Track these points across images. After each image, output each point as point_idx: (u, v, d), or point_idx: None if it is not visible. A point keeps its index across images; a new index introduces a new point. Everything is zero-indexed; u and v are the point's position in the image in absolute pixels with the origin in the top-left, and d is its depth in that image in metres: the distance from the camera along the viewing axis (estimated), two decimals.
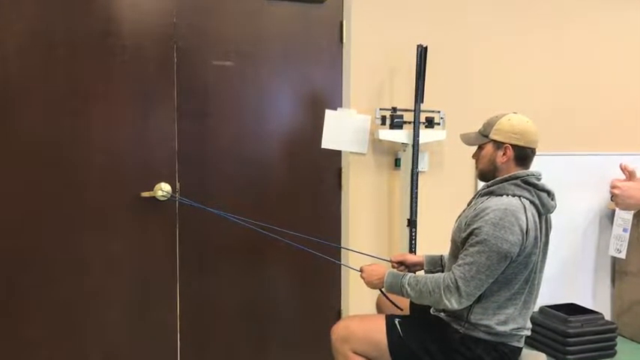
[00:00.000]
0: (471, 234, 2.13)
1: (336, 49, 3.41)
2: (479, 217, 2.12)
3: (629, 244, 3.79)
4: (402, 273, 2.28)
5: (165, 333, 3.20)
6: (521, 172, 2.21)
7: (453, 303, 2.10)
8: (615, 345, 3.68)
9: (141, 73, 3.06)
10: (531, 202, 2.17)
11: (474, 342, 2.16)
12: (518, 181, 2.18)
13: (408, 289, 2.20)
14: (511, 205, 2.11)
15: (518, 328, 2.19)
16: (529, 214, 2.12)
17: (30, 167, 2.92)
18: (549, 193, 2.25)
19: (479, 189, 2.32)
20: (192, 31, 3.14)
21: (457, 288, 2.08)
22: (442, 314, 2.25)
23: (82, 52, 2.95)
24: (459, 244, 2.20)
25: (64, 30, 2.92)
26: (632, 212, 3.77)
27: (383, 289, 2.34)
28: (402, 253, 2.64)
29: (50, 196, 2.95)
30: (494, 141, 2.24)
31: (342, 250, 3.36)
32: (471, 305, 2.16)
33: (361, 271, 2.41)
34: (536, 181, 2.21)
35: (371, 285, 2.37)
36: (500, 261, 2.07)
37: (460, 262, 2.13)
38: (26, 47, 2.87)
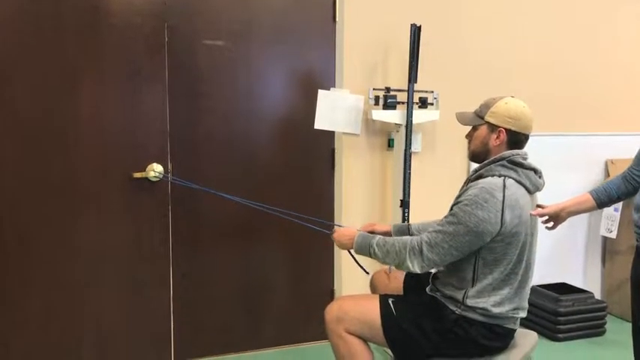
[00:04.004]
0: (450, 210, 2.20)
1: (328, 28, 3.38)
2: (460, 196, 2.19)
3: (619, 224, 3.82)
4: (371, 235, 2.33)
5: (158, 312, 3.20)
6: (506, 152, 2.22)
7: (415, 265, 2.15)
8: (605, 323, 3.74)
9: (131, 52, 3.02)
10: (517, 181, 2.18)
11: (469, 323, 2.17)
12: (505, 162, 2.20)
13: (376, 249, 2.25)
14: (490, 184, 2.14)
15: (514, 309, 2.21)
16: (508, 193, 2.12)
17: (18, 149, 2.89)
18: (536, 171, 2.27)
19: (470, 173, 2.33)
20: (183, 10, 3.10)
21: (421, 252, 2.14)
22: (438, 294, 2.27)
23: (70, 31, 2.91)
24: None
25: (52, 6, 2.87)
26: None
27: (352, 251, 2.38)
28: (370, 222, 2.67)
29: (40, 177, 2.93)
30: (489, 123, 2.24)
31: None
32: (465, 288, 2.17)
33: (333, 232, 2.46)
34: (523, 161, 2.22)
35: (341, 245, 2.42)
36: (467, 234, 2.09)
37: (430, 229, 2.19)
38: (13, 24, 2.83)
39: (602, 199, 2.50)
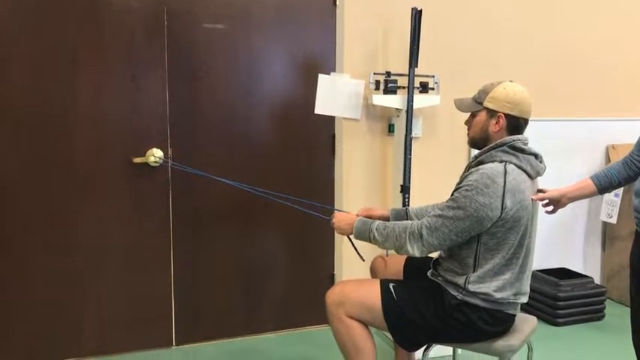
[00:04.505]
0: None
1: (329, 12, 3.35)
2: (462, 182, 2.18)
3: (620, 209, 3.82)
4: (370, 220, 2.33)
5: (159, 296, 3.21)
6: (507, 138, 2.21)
7: (414, 249, 2.16)
8: (604, 308, 3.75)
9: (130, 36, 3.00)
10: (518, 166, 2.17)
11: (470, 308, 2.18)
12: (505, 147, 2.19)
13: (376, 234, 2.25)
14: (491, 169, 2.13)
15: (516, 294, 2.22)
16: (509, 178, 2.12)
17: (19, 134, 2.88)
18: (537, 156, 2.26)
19: (470, 159, 2.32)
20: None
21: (420, 236, 2.14)
22: (439, 279, 2.27)
23: (69, 15, 2.89)
24: None
25: None
26: None
27: (351, 236, 2.38)
28: (367, 207, 2.66)
29: (40, 163, 2.93)
30: (488, 109, 2.23)
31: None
32: (467, 273, 2.18)
33: (332, 217, 2.45)
34: (523, 146, 2.21)
35: (340, 231, 2.41)
36: (467, 219, 2.09)
37: (431, 213, 2.19)
38: (12, 9, 2.80)
39: (604, 185, 2.48)
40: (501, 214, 2.10)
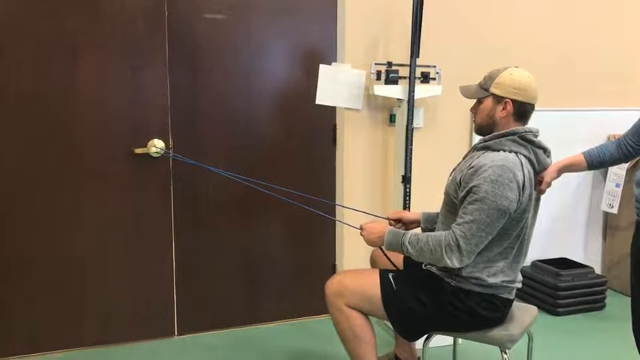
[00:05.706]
0: (469, 192, 2.12)
1: (330, 1, 3.34)
2: (477, 175, 2.11)
3: (621, 199, 3.82)
4: (402, 231, 2.26)
5: (161, 287, 3.22)
6: (519, 128, 2.20)
7: (454, 261, 2.10)
8: (605, 298, 3.76)
9: (131, 27, 2.99)
10: (528, 158, 2.17)
11: (465, 294, 2.19)
12: (516, 137, 2.17)
13: (409, 248, 2.19)
14: (508, 161, 2.11)
15: (509, 281, 2.22)
16: (525, 171, 2.12)
17: (20, 125, 2.88)
18: (545, 150, 2.25)
19: (475, 142, 2.31)
20: None
21: (458, 246, 2.09)
22: (434, 268, 2.27)
23: (69, 5, 2.88)
24: (454, 199, 2.20)
25: None
26: (626, 167, 3.79)
27: (383, 247, 2.33)
28: (398, 210, 2.60)
29: (42, 153, 2.93)
30: (495, 95, 2.21)
31: (338, 206, 3.37)
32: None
33: (361, 228, 2.38)
34: (534, 138, 2.20)
35: (371, 243, 2.35)
36: (500, 217, 2.08)
37: (460, 220, 2.12)
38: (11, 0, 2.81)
39: (595, 164, 2.51)
40: (516, 207, 2.10)
